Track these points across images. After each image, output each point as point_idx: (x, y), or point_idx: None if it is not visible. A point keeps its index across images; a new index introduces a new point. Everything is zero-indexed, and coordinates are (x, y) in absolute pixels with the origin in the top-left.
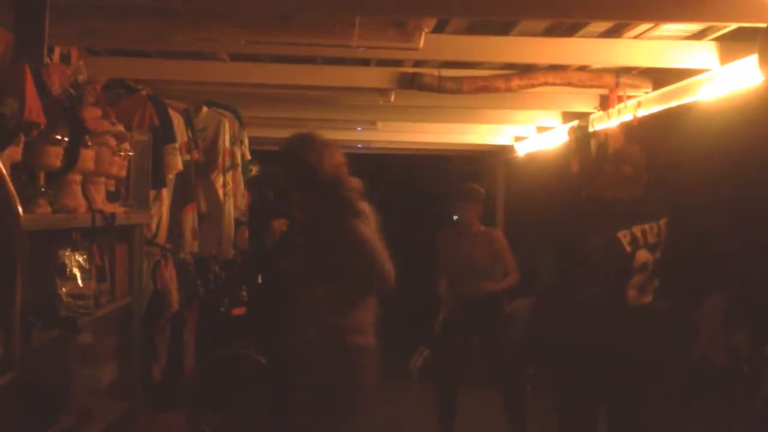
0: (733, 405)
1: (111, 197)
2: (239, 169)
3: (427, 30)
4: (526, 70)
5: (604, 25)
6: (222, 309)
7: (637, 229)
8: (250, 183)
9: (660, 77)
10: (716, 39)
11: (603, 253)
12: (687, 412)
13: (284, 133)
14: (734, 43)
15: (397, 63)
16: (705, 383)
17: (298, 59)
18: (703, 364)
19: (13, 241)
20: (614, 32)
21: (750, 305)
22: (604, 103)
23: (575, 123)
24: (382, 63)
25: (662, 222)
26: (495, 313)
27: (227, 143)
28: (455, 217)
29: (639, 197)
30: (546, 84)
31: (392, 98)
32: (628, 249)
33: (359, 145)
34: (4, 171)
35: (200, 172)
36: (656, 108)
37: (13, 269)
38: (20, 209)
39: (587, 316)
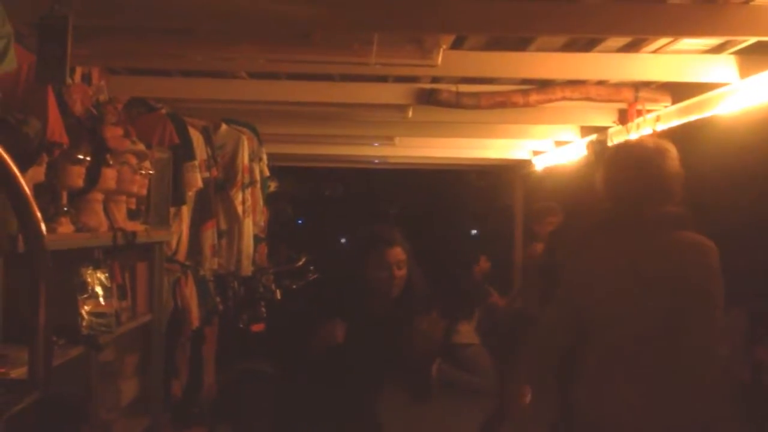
0: (756, 421)
1: (132, 215)
2: (258, 185)
3: (445, 46)
4: (545, 85)
5: (623, 40)
6: (241, 325)
7: None
8: (269, 199)
9: (679, 91)
10: (735, 53)
11: None
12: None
13: (302, 150)
14: (754, 57)
15: (415, 79)
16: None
17: (317, 76)
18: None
19: (36, 261)
20: (633, 47)
21: None
22: (623, 118)
23: (594, 137)
24: (400, 79)
25: None
26: None
27: (246, 160)
28: None
29: None
30: (564, 99)
31: (410, 114)
32: None
33: (376, 161)
34: (28, 191)
35: (219, 189)
36: (676, 122)
37: (37, 289)
38: (44, 229)
39: None
